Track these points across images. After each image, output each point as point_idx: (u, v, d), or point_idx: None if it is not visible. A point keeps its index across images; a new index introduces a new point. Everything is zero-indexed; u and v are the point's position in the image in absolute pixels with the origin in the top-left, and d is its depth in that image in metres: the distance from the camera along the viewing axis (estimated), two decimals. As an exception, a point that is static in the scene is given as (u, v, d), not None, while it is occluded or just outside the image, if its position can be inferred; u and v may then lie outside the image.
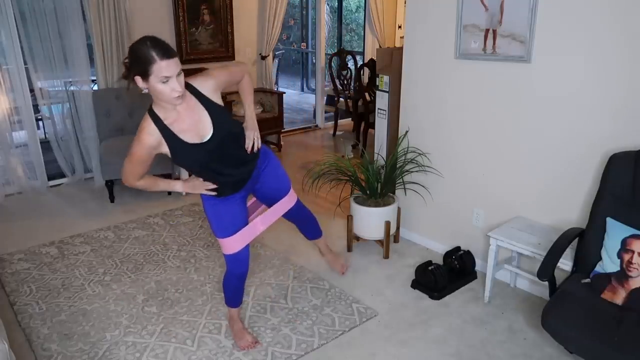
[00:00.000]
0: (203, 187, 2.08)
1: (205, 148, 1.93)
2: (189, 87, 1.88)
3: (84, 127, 4.55)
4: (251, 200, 2.47)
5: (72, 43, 4.30)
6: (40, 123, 5.04)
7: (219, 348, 2.39)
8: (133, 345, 2.41)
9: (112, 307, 2.71)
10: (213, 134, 1.93)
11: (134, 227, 3.72)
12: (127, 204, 4.21)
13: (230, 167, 2.07)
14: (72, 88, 4.50)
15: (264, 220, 2.31)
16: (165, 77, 1.70)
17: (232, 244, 2.20)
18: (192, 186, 2.11)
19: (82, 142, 4.63)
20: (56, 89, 4.46)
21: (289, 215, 2.48)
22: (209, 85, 1.94)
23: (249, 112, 2.21)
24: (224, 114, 1.99)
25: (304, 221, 2.65)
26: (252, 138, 2.15)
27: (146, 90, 1.77)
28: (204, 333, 2.49)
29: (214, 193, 2.11)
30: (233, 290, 2.36)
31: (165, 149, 1.89)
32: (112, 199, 4.23)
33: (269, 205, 2.37)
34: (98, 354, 2.34)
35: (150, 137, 1.84)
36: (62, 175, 4.66)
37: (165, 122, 1.85)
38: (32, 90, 4.35)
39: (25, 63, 4.24)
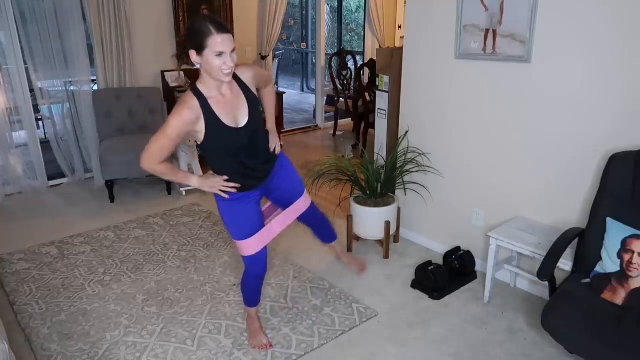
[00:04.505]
0: (220, 185, 2.03)
1: (239, 134, 1.95)
2: (233, 75, 1.94)
3: (84, 127, 4.55)
4: (265, 206, 2.43)
5: (72, 43, 4.31)
6: (40, 123, 5.04)
7: (219, 348, 2.39)
8: (133, 345, 2.41)
9: (112, 307, 2.71)
10: (248, 121, 1.97)
11: (134, 227, 3.72)
12: (127, 204, 4.21)
13: (256, 161, 2.08)
14: (72, 88, 4.51)
15: (280, 223, 2.27)
16: (219, 52, 1.76)
17: (250, 246, 2.17)
18: (209, 184, 2.04)
19: (82, 142, 4.63)
20: (56, 89, 4.46)
21: (303, 218, 2.43)
22: (249, 75, 2.02)
23: (272, 119, 2.28)
24: (258, 105, 2.03)
25: (318, 224, 2.58)
26: (276, 141, 2.22)
27: (198, 65, 1.83)
28: (204, 333, 2.49)
29: (233, 190, 2.05)
30: (251, 291, 2.35)
31: (200, 127, 1.87)
32: (112, 199, 4.23)
33: (284, 207, 2.34)
34: (98, 354, 2.34)
35: (190, 112, 1.83)
36: (62, 175, 4.66)
37: (208, 100, 1.87)
38: (32, 90, 4.36)
39: (25, 63, 4.24)
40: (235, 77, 1.98)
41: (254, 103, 2.01)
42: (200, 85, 1.89)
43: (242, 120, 1.97)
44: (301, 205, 2.35)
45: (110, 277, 3.02)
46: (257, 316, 2.46)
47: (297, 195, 2.33)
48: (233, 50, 1.81)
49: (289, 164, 2.33)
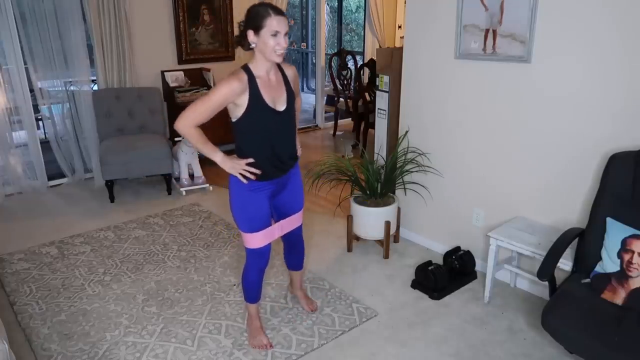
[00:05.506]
0: (241, 168, 2.07)
1: (277, 116, 2.08)
2: (279, 67, 2.14)
3: (84, 127, 4.56)
4: None
5: (72, 43, 4.31)
6: (40, 123, 5.04)
7: (219, 348, 2.39)
8: (133, 345, 2.41)
9: (112, 307, 2.71)
10: (286, 109, 2.11)
11: (134, 227, 3.72)
12: (127, 204, 4.21)
13: (284, 151, 2.17)
14: (72, 88, 4.51)
15: (282, 228, 2.35)
16: (275, 31, 1.92)
17: (256, 241, 2.22)
18: (230, 164, 2.09)
19: (82, 142, 4.63)
20: (56, 89, 4.46)
21: (288, 235, 2.46)
22: (292, 74, 2.20)
23: (296, 127, 2.35)
24: (294, 100, 2.18)
25: (296, 246, 2.57)
26: (299, 144, 2.34)
27: (254, 45, 1.98)
28: (204, 333, 2.49)
29: (252, 177, 2.09)
30: (253, 284, 2.36)
31: (243, 101, 1.99)
32: (112, 199, 4.23)
33: (278, 215, 2.36)
34: (98, 354, 2.34)
35: (239, 83, 1.96)
36: (62, 175, 4.66)
37: (256, 78, 2.02)
38: (32, 90, 4.36)
39: (25, 63, 4.24)
40: (281, 69, 2.13)
41: (291, 97, 2.15)
42: (251, 65, 2.04)
43: (281, 106, 2.09)
44: (298, 219, 2.42)
45: (110, 277, 3.02)
46: (257, 315, 2.46)
47: (297, 206, 2.39)
48: (286, 33, 1.95)
49: (300, 175, 2.40)
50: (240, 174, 2.08)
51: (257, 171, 2.08)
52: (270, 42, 1.93)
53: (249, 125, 2.05)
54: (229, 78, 1.97)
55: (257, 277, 2.35)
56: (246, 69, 2.02)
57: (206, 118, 2.00)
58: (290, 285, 2.78)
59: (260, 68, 2.03)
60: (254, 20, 1.94)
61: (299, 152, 2.34)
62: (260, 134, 2.08)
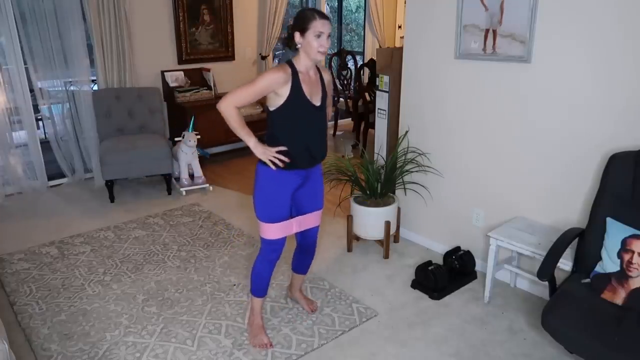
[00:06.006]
0: (271, 154, 2.16)
1: (313, 110, 2.22)
2: (318, 70, 2.29)
3: (84, 127, 4.55)
4: None
5: (72, 43, 4.30)
6: (40, 123, 5.03)
7: (219, 348, 2.39)
8: (133, 345, 2.41)
9: (112, 307, 2.71)
10: (320, 105, 2.25)
11: (134, 227, 3.72)
12: (127, 204, 4.21)
13: (316, 145, 2.25)
14: (72, 88, 4.51)
15: (299, 224, 2.38)
16: (319, 32, 2.08)
17: (272, 232, 2.27)
18: (262, 149, 2.19)
19: (82, 142, 4.63)
20: (56, 89, 4.46)
21: (303, 236, 2.48)
22: (328, 78, 2.34)
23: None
24: (326, 101, 2.30)
25: (308, 248, 2.56)
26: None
27: (299, 45, 2.14)
28: (204, 333, 2.49)
29: (281, 165, 2.16)
30: (262, 277, 2.38)
31: (284, 92, 2.13)
32: (112, 199, 4.23)
33: (297, 211, 2.38)
34: (98, 354, 2.34)
35: (283, 74, 2.11)
36: (62, 175, 4.66)
37: (298, 73, 2.17)
38: (32, 90, 4.35)
39: (25, 63, 4.24)
40: (320, 72, 2.28)
41: (325, 97, 2.28)
42: (295, 62, 2.18)
43: (316, 103, 2.22)
44: (316, 218, 2.44)
45: (110, 277, 3.02)
46: (261, 313, 2.46)
47: (316, 205, 2.42)
48: (329, 35, 2.11)
49: (321, 177, 2.45)
50: (270, 160, 2.16)
51: (286, 159, 2.16)
52: (314, 42, 2.09)
53: (287, 115, 2.16)
54: (275, 69, 2.13)
55: (266, 270, 2.36)
56: (290, 63, 2.16)
57: (248, 102, 2.14)
58: (290, 288, 2.78)
59: (302, 65, 2.17)
60: (302, 22, 2.10)
61: (325, 154, 2.40)
62: (297, 124, 2.19)
